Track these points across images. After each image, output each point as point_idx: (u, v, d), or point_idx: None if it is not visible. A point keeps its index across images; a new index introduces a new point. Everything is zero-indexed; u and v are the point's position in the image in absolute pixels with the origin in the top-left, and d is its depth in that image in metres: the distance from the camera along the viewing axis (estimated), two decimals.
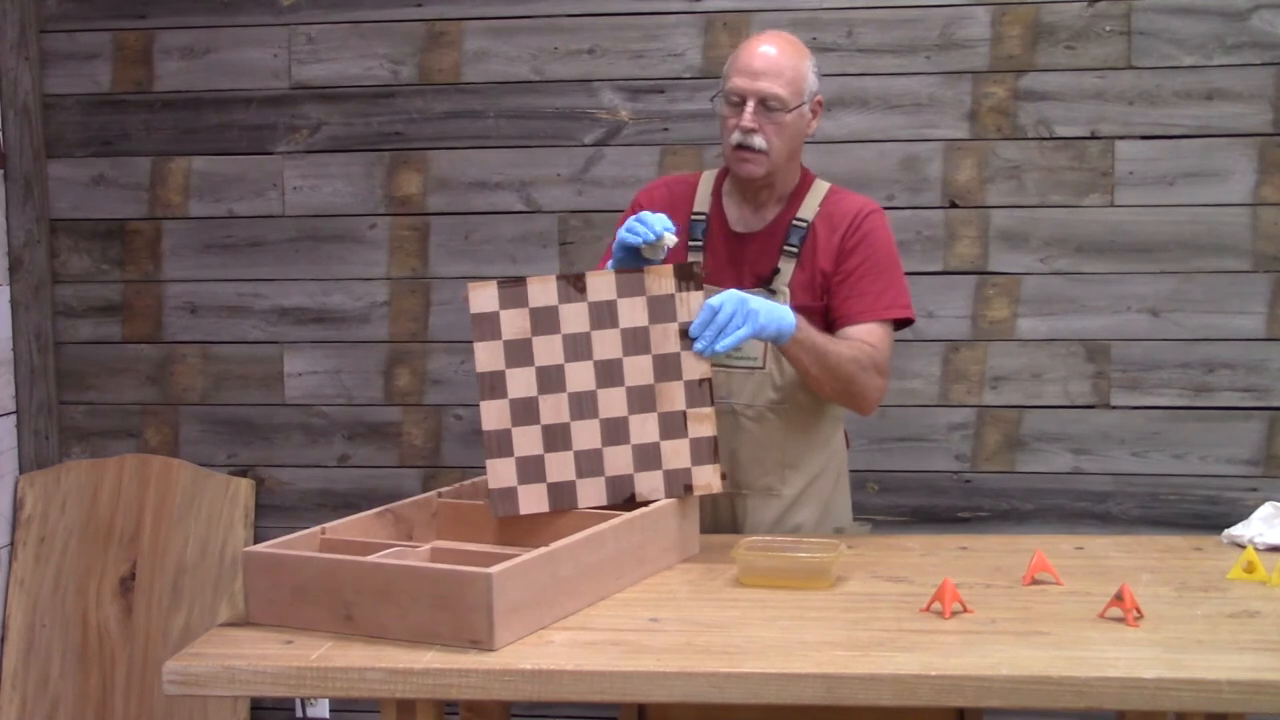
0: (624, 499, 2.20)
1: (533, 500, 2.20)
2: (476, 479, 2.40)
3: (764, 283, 2.42)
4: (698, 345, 2.19)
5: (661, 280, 2.21)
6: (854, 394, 2.38)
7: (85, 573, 3.38)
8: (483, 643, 1.77)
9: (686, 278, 2.20)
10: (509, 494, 2.20)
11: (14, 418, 3.43)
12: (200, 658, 1.78)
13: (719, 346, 2.18)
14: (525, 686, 1.72)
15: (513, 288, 2.21)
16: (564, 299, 2.21)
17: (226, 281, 3.44)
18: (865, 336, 2.39)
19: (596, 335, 2.21)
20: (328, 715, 3.44)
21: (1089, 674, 1.68)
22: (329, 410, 3.43)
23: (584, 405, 2.21)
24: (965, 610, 1.92)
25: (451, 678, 1.72)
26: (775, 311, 2.24)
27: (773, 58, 2.38)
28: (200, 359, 3.47)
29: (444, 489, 2.37)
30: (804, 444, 2.48)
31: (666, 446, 2.21)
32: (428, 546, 2.08)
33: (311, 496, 3.44)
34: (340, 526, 2.11)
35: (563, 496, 2.21)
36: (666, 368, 2.21)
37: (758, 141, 2.37)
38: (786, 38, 2.47)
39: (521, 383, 2.20)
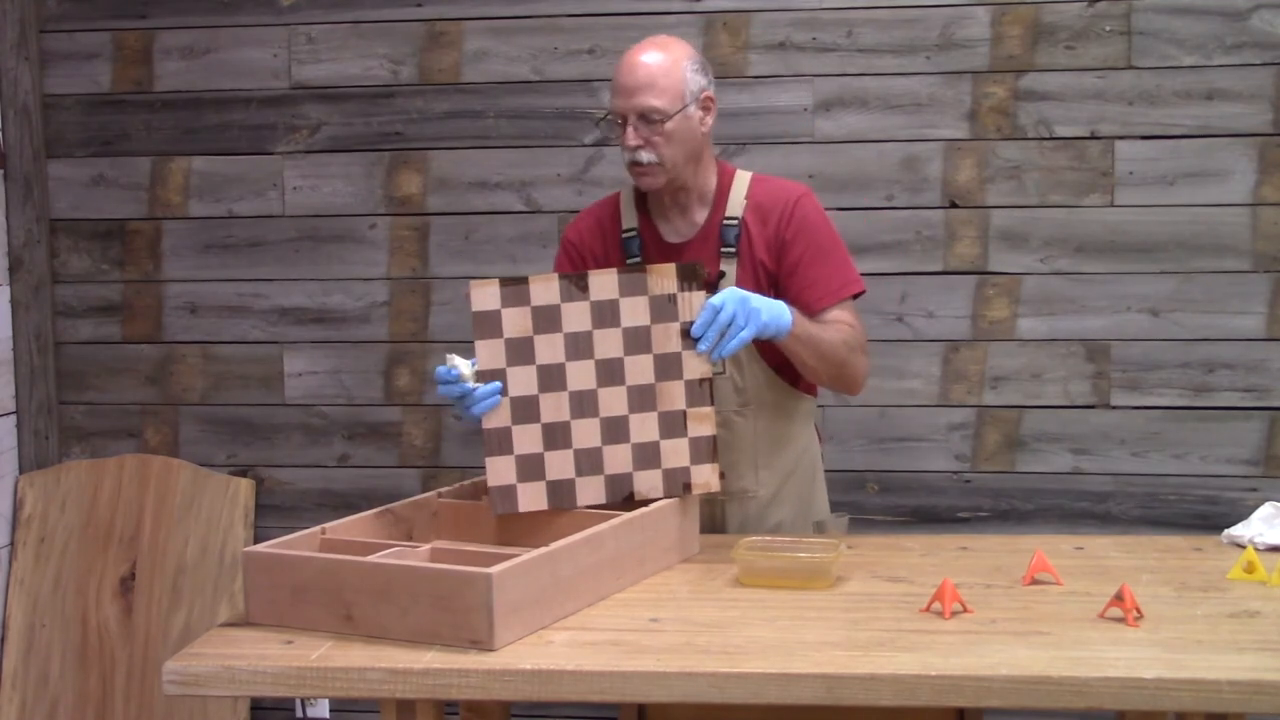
0: (623, 497, 2.20)
1: (532, 498, 2.20)
2: (476, 479, 2.40)
3: (710, 287, 2.39)
4: (702, 348, 2.18)
5: (664, 280, 2.21)
6: (847, 376, 2.41)
7: (85, 573, 3.37)
8: (483, 643, 1.77)
9: (689, 278, 2.20)
10: (508, 491, 2.20)
11: (14, 418, 3.43)
12: (200, 658, 1.78)
13: (725, 350, 2.18)
14: (525, 686, 1.72)
15: (515, 286, 2.21)
16: (566, 298, 2.20)
17: (226, 281, 3.44)
18: (840, 319, 2.40)
19: (598, 334, 2.21)
20: (328, 715, 3.44)
21: (1089, 674, 1.67)
22: (329, 410, 3.43)
23: (584, 404, 2.21)
24: (965, 610, 1.92)
25: (451, 678, 1.72)
26: (774, 309, 2.24)
27: (645, 69, 2.37)
28: (200, 359, 3.47)
29: (444, 489, 2.37)
30: (774, 444, 2.48)
31: (666, 445, 2.21)
32: (428, 546, 2.08)
33: (311, 496, 3.44)
34: (340, 526, 2.11)
35: (562, 494, 2.21)
36: (667, 367, 2.21)
37: (645, 156, 2.37)
38: (660, 42, 2.43)
39: (522, 381, 2.20)
